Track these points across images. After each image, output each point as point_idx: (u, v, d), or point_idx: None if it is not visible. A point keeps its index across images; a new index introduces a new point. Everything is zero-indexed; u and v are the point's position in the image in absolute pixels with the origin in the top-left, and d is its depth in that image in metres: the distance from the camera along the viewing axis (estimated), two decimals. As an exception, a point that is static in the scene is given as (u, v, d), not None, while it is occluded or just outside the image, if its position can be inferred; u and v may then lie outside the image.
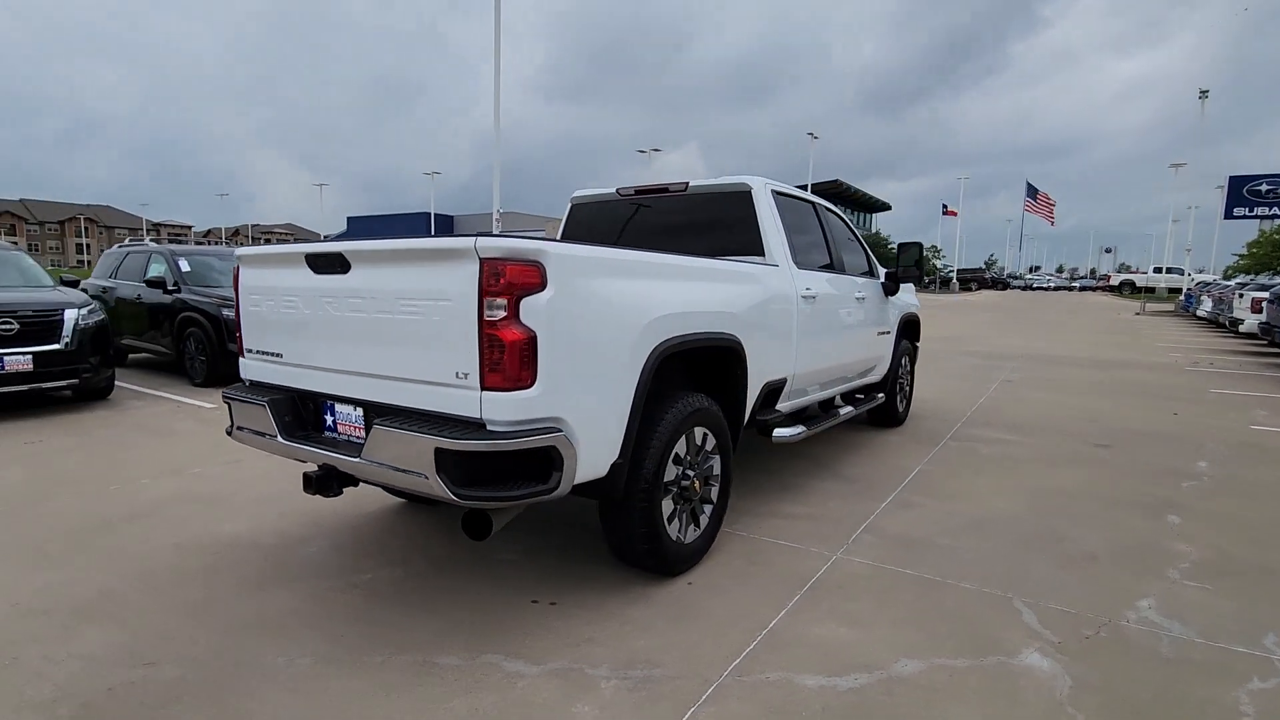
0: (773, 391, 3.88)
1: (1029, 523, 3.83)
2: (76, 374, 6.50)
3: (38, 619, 2.67)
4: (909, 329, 6.39)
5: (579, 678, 2.31)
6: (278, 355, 2.96)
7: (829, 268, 4.70)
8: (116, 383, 7.66)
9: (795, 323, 3.97)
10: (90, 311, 6.74)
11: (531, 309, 2.27)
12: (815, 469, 4.84)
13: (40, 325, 6.29)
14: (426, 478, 2.29)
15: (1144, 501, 4.22)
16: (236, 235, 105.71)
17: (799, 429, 4.13)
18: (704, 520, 3.24)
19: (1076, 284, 73.71)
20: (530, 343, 2.26)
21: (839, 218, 5.28)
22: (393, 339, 2.49)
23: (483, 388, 2.26)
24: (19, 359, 6.09)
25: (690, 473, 3.08)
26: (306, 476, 2.73)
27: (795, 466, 4.88)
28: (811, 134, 40.85)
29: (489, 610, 2.77)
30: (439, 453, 2.25)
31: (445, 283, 2.31)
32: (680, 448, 3.00)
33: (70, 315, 6.50)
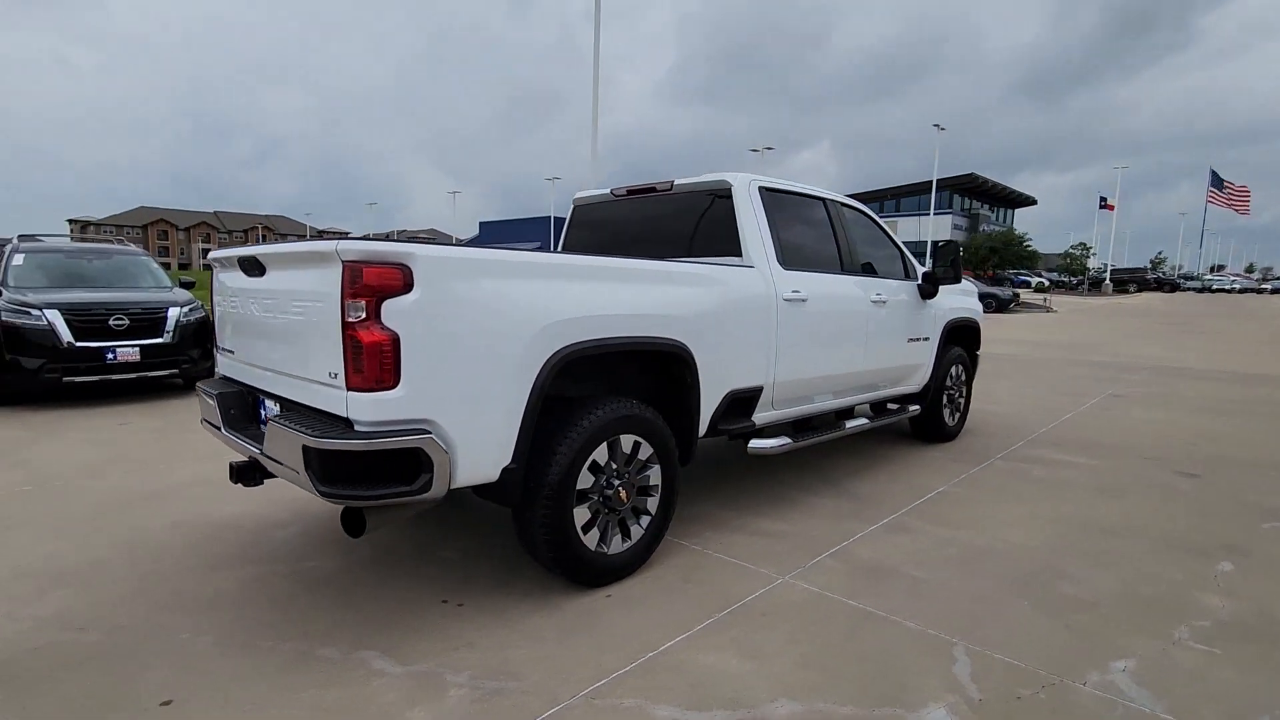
0: (744, 400, 3.67)
1: (1037, 559, 3.36)
2: (177, 364, 7.34)
3: (26, 581, 3.03)
4: (961, 335, 5.82)
5: (435, 682, 2.29)
6: (231, 352, 3.19)
7: (837, 268, 4.37)
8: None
9: (775, 327, 3.72)
10: (191, 310, 7.58)
11: (394, 311, 2.28)
12: (820, 484, 4.52)
13: (147, 321, 7.16)
14: (298, 473, 2.37)
15: (1201, 543, 3.57)
16: (388, 238, 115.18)
17: (781, 441, 3.88)
18: (638, 531, 3.12)
19: (1268, 286, 63.91)
20: (392, 344, 2.27)
21: (865, 215, 4.90)
22: (292, 338, 2.61)
23: (347, 388, 2.31)
24: (128, 350, 6.97)
25: (615, 482, 2.97)
26: (231, 466, 2.91)
27: (799, 480, 4.59)
28: (938, 125, 38.17)
29: (398, 606, 2.82)
30: (305, 450, 2.31)
31: (320, 285, 2.38)
32: (600, 455, 2.90)
33: (173, 312, 7.35)
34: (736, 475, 4.68)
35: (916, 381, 5.26)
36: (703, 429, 3.47)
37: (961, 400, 5.90)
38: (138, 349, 7.03)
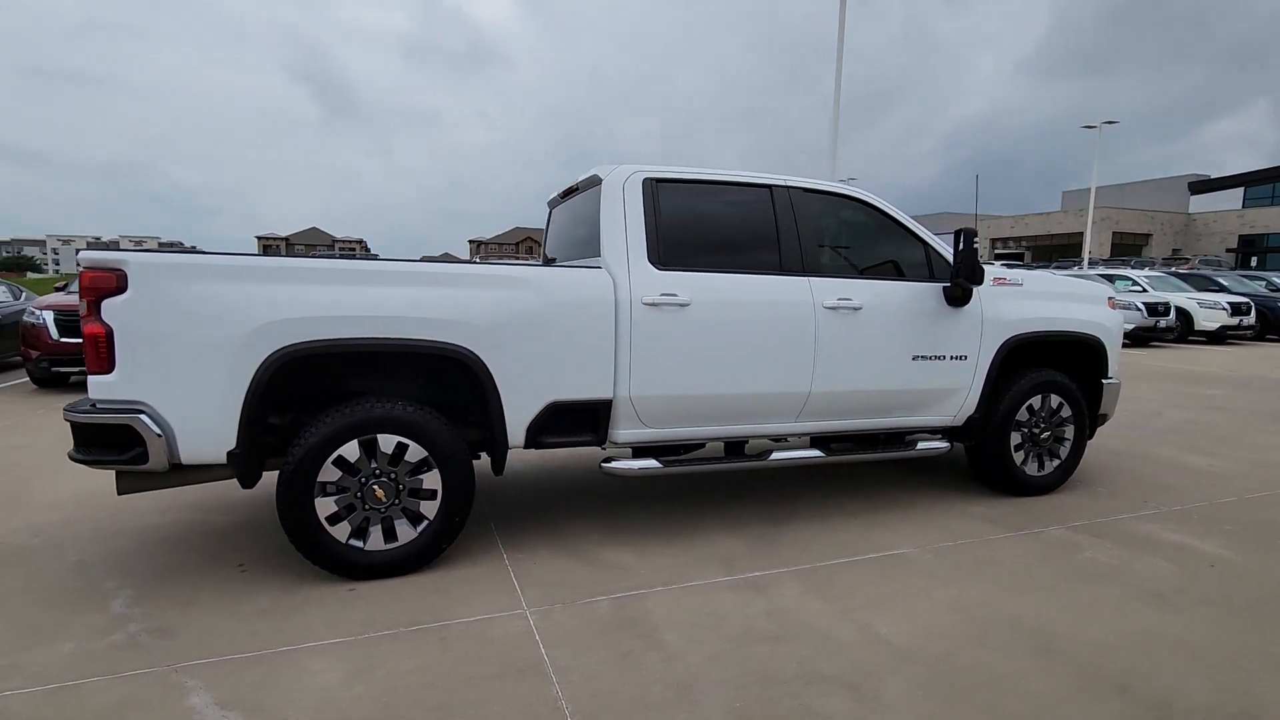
0: (580, 412, 3.36)
1: (855, 659, 2.48)
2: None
3: (66, 497, 4.20)
4: (1053, 355, 4.36)
5: (119, 624, 2.66)
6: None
7: (773, 267, 3.67)
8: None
9: (625, 334, 3.33)
10: None
11: (110, 308, 2.71)
12: (753, 520, 3.85)
13: None
14: (76, 438, 2.95)
15: (1186, 695, 2.24)
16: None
17: (644, 464, 3.46)
18: (410, 533, 3.11)
19: None
20: (106, 336, 2.71)
21: (859, 204, 3.97)
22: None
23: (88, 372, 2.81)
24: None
25: (369, 480, 3.02)
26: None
27: (730, 513, 3.96)
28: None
29: (205, 560, 3.27)
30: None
31: (96, 287, 2.92)
32: (350, 451, 2.99)
33: None
34: (660, 500, 4.22)
35: (947, 412, 4.09)
36: (517, 439, 3.28)
37: (1062, 444, 4.37)
38: None
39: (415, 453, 3.08)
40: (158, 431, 2.76)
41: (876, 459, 4.04)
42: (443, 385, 3.37)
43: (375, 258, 3.26)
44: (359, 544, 3.06)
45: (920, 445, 4.05)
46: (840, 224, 4.04)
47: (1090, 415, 4.50)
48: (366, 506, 3.05)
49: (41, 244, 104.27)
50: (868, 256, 4.07)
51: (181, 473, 2.94)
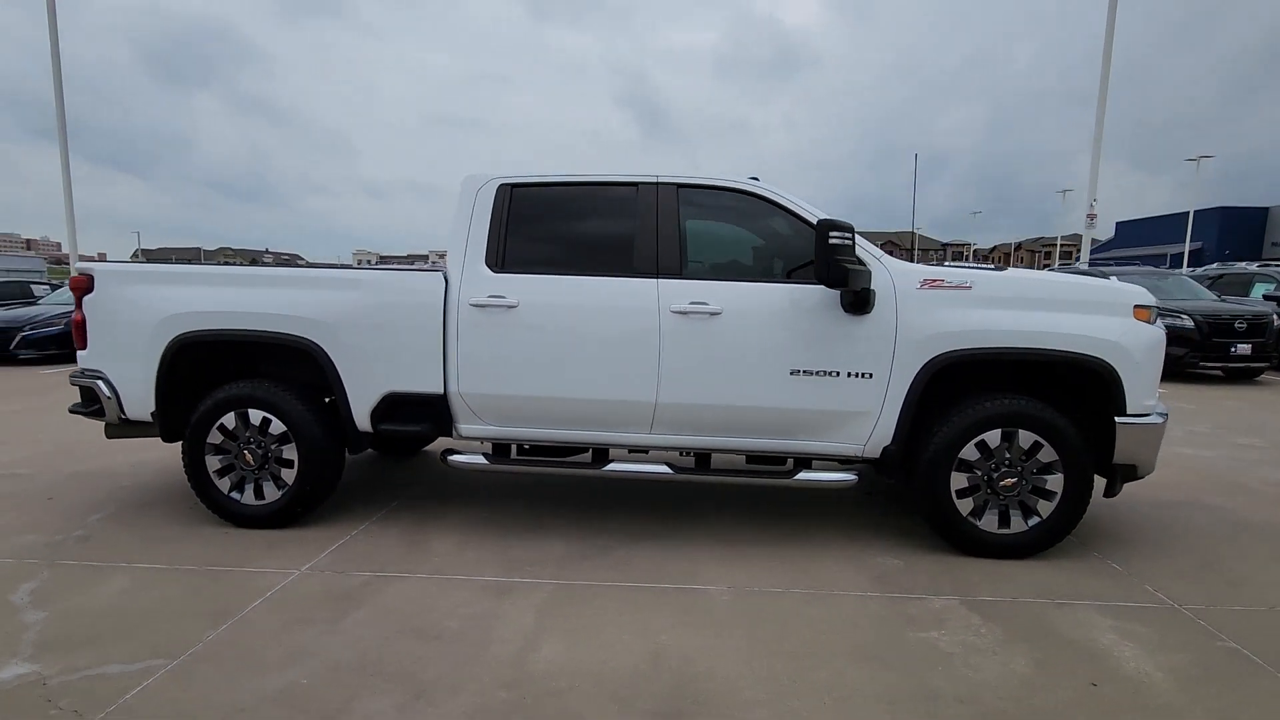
0: (417, 405, 3.62)
1: (479, 671, 2.39)
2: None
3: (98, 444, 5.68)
4: (1045, 378, 3.34)
5: (70, 528, 3.70)
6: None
7: (624, 269, 3.50)
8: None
9: (451, 333, 3.52)
10: None
11: (86, 302, 3.77)
12: (611, 537, 3.69)
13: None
14: (83, 396, 4.10)
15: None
16: (1019, 248, 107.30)
17: (472, 459, 3.65)
18: (275, 494, 3.70)
19: None
20: (82, 323, 3.78)
21: (746, 195, 3.54)
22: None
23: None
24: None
25: (240, 446, 3.69)
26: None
27: (607, 524, 3.83)
28: None
29: (182, 496, 4.27)
30: (74, 382, 4.03)
31: (105, 287, 4.04)
32: (229, 421, 3.69)
33: None
34: (560, 504, 4.20)
35: (852, 440, 3.42)
36: (364, 424, 3.67)
37: (1047, 498, 3.33)
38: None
39: (278, 426, 3.67)
40: (108, 394, 3.75)
41: (746, 485, 3.56)
42: (323, 374, 3.91)
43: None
44: (237, 497, 3.75)
45: (802, 475, 3.45)
46: (730, 222, 3.64)
47: (1105, 463, 3.34)
48: (246, 467, 3.73)
49: (425, 257, 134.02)
50: (762, 256, 3.62)
51: (134, 426, 3.91)
